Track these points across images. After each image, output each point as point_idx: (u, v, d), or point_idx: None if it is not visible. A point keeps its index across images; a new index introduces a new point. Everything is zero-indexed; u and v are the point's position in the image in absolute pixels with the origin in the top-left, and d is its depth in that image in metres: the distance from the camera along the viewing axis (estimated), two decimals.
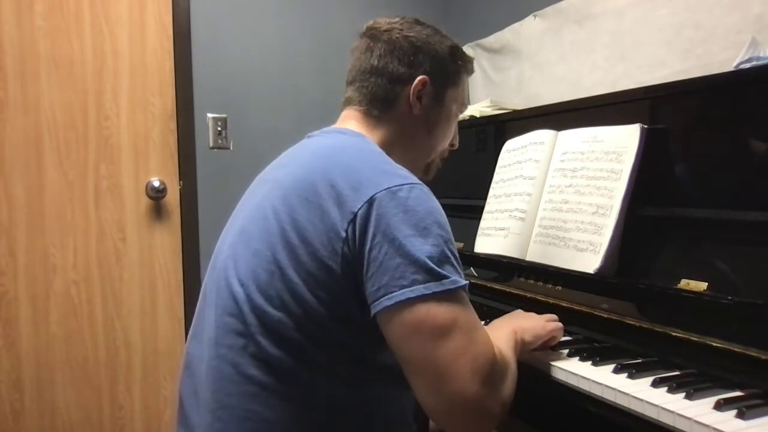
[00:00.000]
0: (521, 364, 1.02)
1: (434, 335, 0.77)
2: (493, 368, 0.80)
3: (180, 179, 2.21)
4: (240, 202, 1.02)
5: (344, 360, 0.84)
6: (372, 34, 1.02)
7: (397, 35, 1.00)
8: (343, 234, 0.79)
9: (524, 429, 1.37)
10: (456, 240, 1.60)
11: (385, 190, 0.80)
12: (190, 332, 0.98)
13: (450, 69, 1.03)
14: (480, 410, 0.78)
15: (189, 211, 2.22)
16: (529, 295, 1.25)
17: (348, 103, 1.03)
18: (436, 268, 0.77)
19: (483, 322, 1.24)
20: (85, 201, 2.07)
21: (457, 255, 0.83)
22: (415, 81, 0.99)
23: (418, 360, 0.78)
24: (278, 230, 0.84)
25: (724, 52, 1.42)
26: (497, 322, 1.02)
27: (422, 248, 0.77)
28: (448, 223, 0.83)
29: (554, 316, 1.06)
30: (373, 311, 0.79)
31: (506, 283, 1.35)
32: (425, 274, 0.77)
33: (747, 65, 1.08)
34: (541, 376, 0.99)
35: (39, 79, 1.99)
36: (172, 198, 2.20)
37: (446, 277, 0.78)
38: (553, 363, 0.98)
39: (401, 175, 0.84)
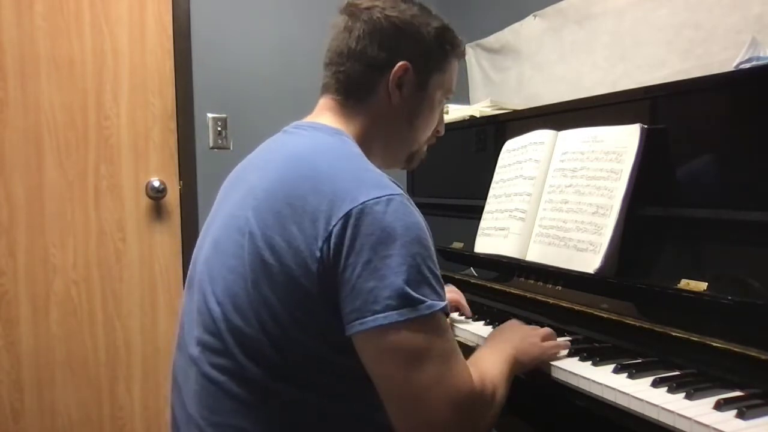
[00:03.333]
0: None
1: (407, 362, 0.75)
2: (468, 398, 0.78)
3: (180, 179, 2.21)
4: (215, 203, 0.97)
5: (325, 374, 0.82)
6: (351, 11, 0.94)
7: (378, 15, 0.92)
8: (318, 254, 0.76)
9: (524, 429, 1.37)
10: (456, 240, 1.61)
11: (361, 204, 0.75)
12: (175, 342, 0.96)
13: (435, 54, 0.95)
14: None
15: (189, 212, 2.22)
16: (529, 295, 1.25)
17: (325, 90, 0.97)
18: (412, 292, 0.74)
19: (482, 321, 1.24)
20: (85, 201, 2.07)
21: (438, 272, 0.79)
22: (395, 67, 0.91)
23: (390, 385, 0.77)
24: (252, 248, 0.81)
25: (724, 52, 1.41)
26: (496, 342, 0.97)
27: (398, 270, 0.74)
28: (428, 237, 0.79)
29: (551, 331, 1.03)
30: (347, 333, 0.77)
31: (506, 283, 1.35)
32: (400, 299, 0.73)
33: (747, 65, 1.08)
34: (542, 376, 0.99)
35: (39, 79, 1.99)
36: (172, 198, 2.20)
37: (422, 302, 0.75)
38: (553, 363, 0.98)
39: (380, 184, 0.79)
